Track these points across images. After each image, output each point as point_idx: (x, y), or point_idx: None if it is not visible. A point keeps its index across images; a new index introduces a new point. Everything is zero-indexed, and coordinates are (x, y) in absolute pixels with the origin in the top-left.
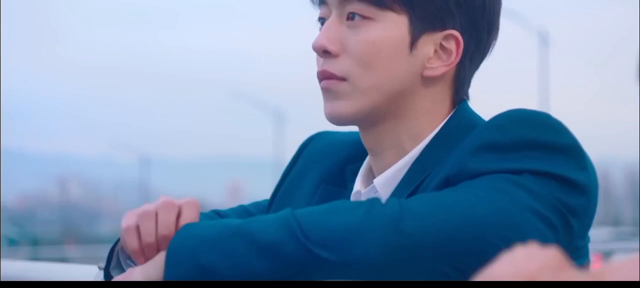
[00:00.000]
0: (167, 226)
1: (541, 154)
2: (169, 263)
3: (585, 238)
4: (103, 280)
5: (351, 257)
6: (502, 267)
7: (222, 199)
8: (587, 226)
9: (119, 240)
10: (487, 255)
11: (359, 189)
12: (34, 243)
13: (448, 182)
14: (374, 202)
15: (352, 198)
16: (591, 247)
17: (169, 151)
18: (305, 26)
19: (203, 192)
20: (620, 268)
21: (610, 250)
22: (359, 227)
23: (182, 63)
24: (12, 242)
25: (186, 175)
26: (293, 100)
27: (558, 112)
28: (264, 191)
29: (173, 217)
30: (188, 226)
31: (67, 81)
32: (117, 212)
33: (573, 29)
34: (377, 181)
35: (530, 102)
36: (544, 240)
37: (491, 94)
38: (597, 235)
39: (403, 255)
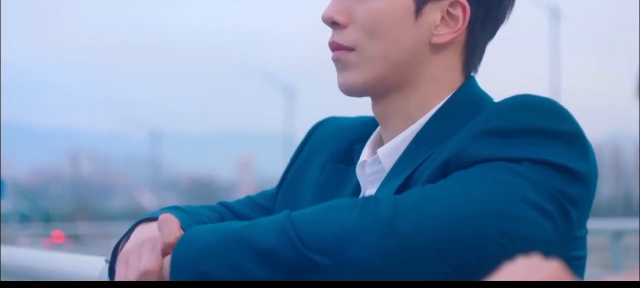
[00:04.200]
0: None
1: (543, 141)
2: (172, 271)
3: (583, 228)
4: (108, 274)
5: (347, 261)
6: (504, 278)
7: (233, 174)
8: (585, 216)
9: (125, 235)
10: (485, 250)
11: (365, 159)
12: (46, 219)
13: (447, 165)
14: (368, 201)
15: (358, 168)
16: (602, 227)
17: (180, 126)
18: (315, 1)
19: (214, 167)
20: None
21: (621, 229)
22: (354, 231)
23: (193, 38)
24: (24, 217)
25: (197, 149)
26: (304, 75)
27: (568, 86)
28: (274, 166)
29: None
30: (191, 233)
31: (77, 57)
32: (129, 187)
33: (581, 1)
34: (381, 151)
35: (541, 77)
36: (542, 231)
37: (502, 68)
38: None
39: (399, 256)
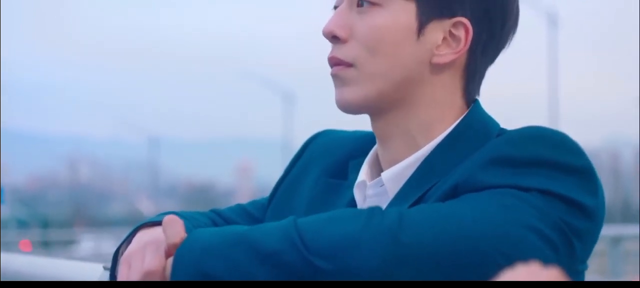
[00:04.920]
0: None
1: (552, 173)
2: (174, 271)
3: (584, 263)
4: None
5: (349, 268)
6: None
7: (231, 180)
8: (589, 250)
9: (125, 240)
10: (486, 270)
11: (364, 179)
12: (44, 225)
13: (455, 190)
14: (374, 211)
15: (356, 188)
16: (601, 233)
17: (179, 131)
18: (314, 6)
19: (213, 173)
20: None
21: (619, 235)
22: (358, 238)
23: (192, 43)
24: (23, 224)
25: (196, 155)
26: (302, 81)
27: (566, 91)
28: (273, 171)
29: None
30: (194, 234)
31: (76, 62)
32: (127, 193)
33: (579, 6)
34: (385, 175)
35: (539, 82)
36: (544, 259)
37: (500, 74)
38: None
39: (400, 267)
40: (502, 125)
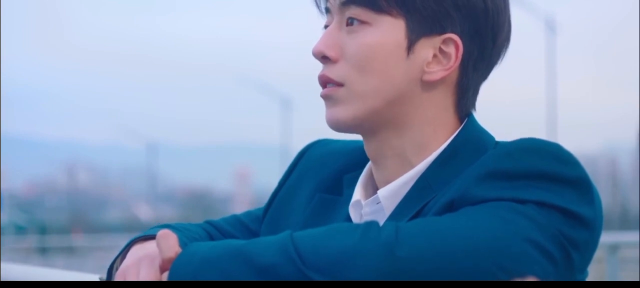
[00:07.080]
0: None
1: (548, 185)
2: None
3: (584, 272)
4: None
5: (345, 281)
6: None
7: (229, 186)
8: (588, 260)
9: (119, 254)
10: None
11: (359, 199)
12: (42, 231)
13: (452, 205)
14: (370, 225)
15: (351, 207)
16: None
17: (177, 137)
18: (312, 12)
19: (211, 178)
20: None
21: (617, 242)
22: (354, 252)
23: (190, 49)
24: (20, 229)
25: (194, 161)
26: (300, 87)
27: (565, 98)
28: (271, 177)
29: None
30: (190, 248)
31: (74, 68)
32: (125, 199)
33: (577, 12)
34: (381, 193)
35: (537, 89)
36: (543, 271)
37: (497, 81)
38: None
39: (397, 281)
40: (501, 131)
